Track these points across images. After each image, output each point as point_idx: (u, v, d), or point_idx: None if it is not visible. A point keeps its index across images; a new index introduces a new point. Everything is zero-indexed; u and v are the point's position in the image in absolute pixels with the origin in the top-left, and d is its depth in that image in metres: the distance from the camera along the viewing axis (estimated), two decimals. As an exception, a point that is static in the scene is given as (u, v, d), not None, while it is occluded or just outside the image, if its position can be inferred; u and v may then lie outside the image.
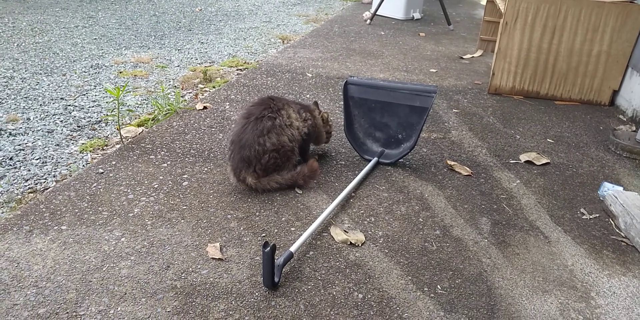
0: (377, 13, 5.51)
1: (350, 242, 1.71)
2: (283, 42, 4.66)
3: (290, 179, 2.00)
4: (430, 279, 1.56)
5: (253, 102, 2.07)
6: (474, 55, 4.32)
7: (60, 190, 1.98)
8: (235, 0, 6.92)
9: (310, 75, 3.55)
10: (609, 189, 2.05)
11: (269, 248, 1.42)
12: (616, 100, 3.20)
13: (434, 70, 3.80)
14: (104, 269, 1.55)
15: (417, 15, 5.73)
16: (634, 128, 2.79)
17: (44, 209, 1.85)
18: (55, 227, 1.74)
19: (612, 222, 1.91)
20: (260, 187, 1.97)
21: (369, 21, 5.43)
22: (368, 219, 1.86)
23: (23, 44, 4.20)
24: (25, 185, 2.11)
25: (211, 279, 1.52)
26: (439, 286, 1.53)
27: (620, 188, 2.06)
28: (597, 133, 2.75)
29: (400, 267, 1.60)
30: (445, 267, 1.62)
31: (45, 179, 2.17)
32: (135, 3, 6.36)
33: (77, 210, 1.84)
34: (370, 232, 1.78)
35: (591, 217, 1.94)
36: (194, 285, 1.49)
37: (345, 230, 1.77)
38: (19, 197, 2.01)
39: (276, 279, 1.47)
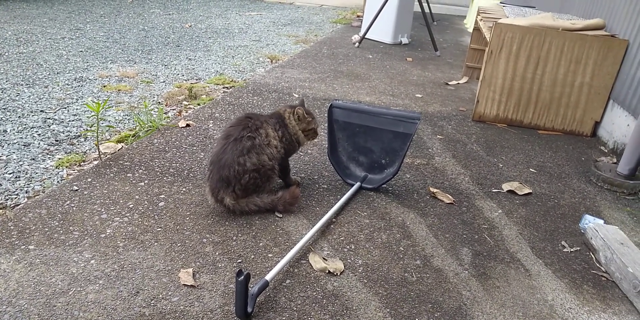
0: (365, 36, 5.57)
1: (329, 271, 1.66)
2: (271, 61, 4.67)
3: (270, 204, 1.96)
4: (409, 312, 1.52)
5: (231, 122, 2.04)
6: (460, 81, 4.37)
7: (31, 207, 1.91)
8: (225, 18, 6.95)
9: (297, 95, 3.54)
10: (590, 222, 2.04)
11: (242, 277, 1.37)
12: (598, 132, 3.24)
13: (420, 96, 3.82)
14: (70, 293, 1.48)
15: (405, 40, 5.81)
16: (615, 160, 2.82)
17: (12, 227, 1.78)
18: (23, 247, 1.67)
19: (593, 256, 1.90)
20: (238, 208, 1.93)
21: (357, 44, 5.48)
22: (348, 246, 1.82)
23: (6, 54, 4.13)
24: (-5, 201, 2.03)
25: (181, 307, 1.46)
26: (417, 320, 1.49)
27: (601, 221, 2.06)
28: (579, 164, 2.77)
29: (378, 299, 1.56)
30: (424, 299, 1.58)
31: (17, 194, 2.09)
32: (125, 17, 6.34)
33: (47, 229, 1.77)
34: (349, 260, 1.74)
35: (572, 250, 1.93)
36: (163, 313, 1.43)
37: (324, 258, 1.72)
38: (-13, 213, 1.93)
39: (249, 309, 1.42)
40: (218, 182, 1.90)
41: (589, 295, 1.68)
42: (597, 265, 1.85)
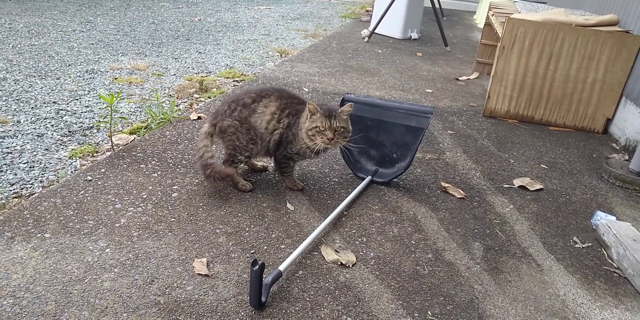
0: (375, 31, 5.55)
1: (341, 263, 1.67)
2: (281, 55, 4.67)
3: (207, 164, 1.97)
4: (421, 304, 1.52)
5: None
6: (470, 77, 4.35)
7: (46, 196, 1.93)
8: (235, 12, 6.95)
9: (307, 89, 3.55)
10: (602, 218, 2.04)
11: (257, 266, 1.38)
12: (609, 129, 3.22)
13: (430, 91, 3.81)
14: (85, 281, 1.50)
15: (414, 35, 5.79)
16: (626, 157, 2.81)
17: (28, 215, 1.80)
18: (39, 235, 1.69)
19: (605, 252, 1.90)
20: (199, 142, 2.04)
21: (367, 39, 5.47)
22: (360, 239, 1.83)
23: (18, 46, 4.16)
24: (11, 190, 2.05)
25: (196, 296, 1.47)
26: (429, 312, 1.50)
27: (613, 218, 2.05)
28: (591, 160, 2.76)
29: (390, 291, 1.57)
30: (436, 292, 1.59)
31: (32, 184, 2.11)
32: (135, 10, 6.36)
33: (62, 218, 1.79)
34: (361, 253, 1.75)
35: (584, 246, 1.93)
36: (177, 301, 1.45)
37: (336, 250, 1.73)
38: (3, 201, 1.95)
39: (263, 299, 1.43)
40: (215, 112, 2.09)
41: (601, 291, 1.68)
42: (609, 261, 1.85)
